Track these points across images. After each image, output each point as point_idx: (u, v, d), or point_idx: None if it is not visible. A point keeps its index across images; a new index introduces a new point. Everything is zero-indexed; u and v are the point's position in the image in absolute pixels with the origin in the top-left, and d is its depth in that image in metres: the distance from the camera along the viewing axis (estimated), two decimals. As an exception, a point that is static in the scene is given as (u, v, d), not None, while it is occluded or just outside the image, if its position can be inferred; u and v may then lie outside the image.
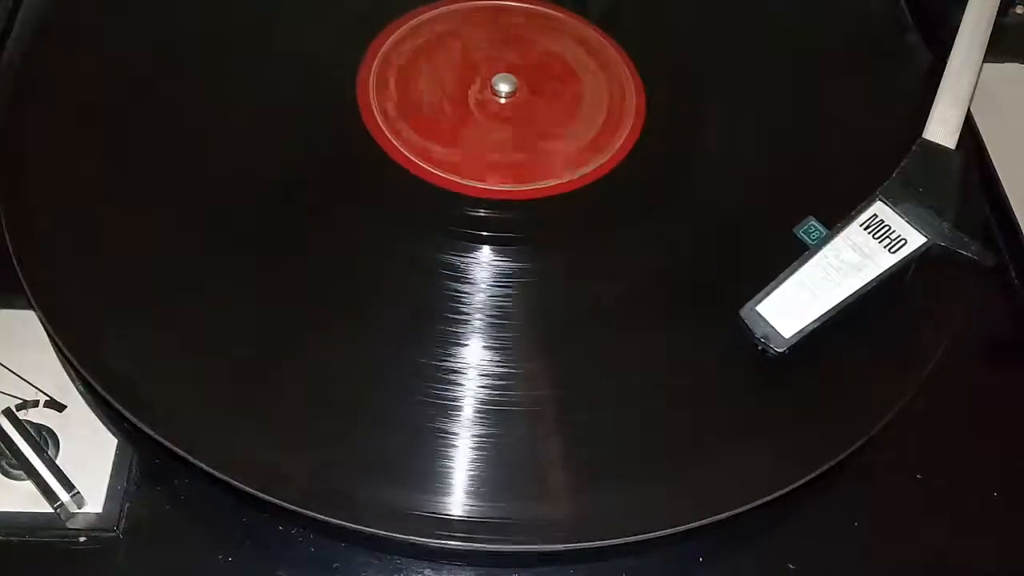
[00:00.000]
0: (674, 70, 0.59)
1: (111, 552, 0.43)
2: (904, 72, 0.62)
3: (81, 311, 0.46)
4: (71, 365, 0.46)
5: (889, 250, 0.48)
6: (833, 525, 0.46)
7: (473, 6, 0.61)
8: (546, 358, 0.47)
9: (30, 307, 0.47)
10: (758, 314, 0.47)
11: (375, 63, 0.57)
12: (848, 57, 0.62)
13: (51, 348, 0.47)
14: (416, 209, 0.52)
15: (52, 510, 0.42)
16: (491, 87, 0.56)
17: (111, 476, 0.44)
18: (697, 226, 0.52)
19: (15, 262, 0.47)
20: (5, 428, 0.43)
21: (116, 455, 0.45)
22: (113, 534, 0.43)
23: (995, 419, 0.50)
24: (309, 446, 0.43)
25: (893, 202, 0.50)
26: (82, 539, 0.43)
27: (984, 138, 0.60)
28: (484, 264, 0.49)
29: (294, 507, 0.41)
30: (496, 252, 0.50)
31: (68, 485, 0.42)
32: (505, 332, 0.47)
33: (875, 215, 0.49)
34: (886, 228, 0.49)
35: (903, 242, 0.49)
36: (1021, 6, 0.64)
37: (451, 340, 0.46)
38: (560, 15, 0.61)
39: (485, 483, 0.42)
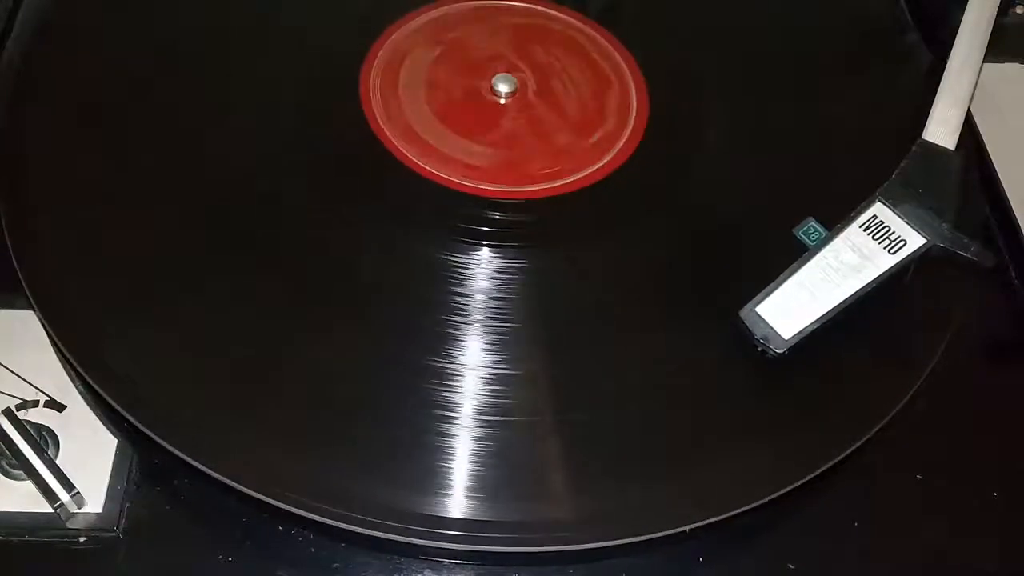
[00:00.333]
0: (675, 70, 0.59)
1: (111, 552, 0.43)
2: (904, 72, 0.62)
3: (81, 311, 0.46)
4: (71, 365, 0.46)
5: (889, 251, 0.48)
6: (833, 525, 0.46)
7: (473, 6, 0.61)
8: (546, 358, 0.47)
9: (30, 307, 0.47)
10: (758, 315, 0.47)
11: (375, 63, 0.57)
12: (848, 57, 0.62)
13: (51, 348, 0.47)
14: (417, 209, 0.52)
15: (52, 510, 0.42)
16: (491, 87, 0.56)
17: (111, 476, 0.44)
18: (697, 226, 0.53)
19: (15, 262, 0.47)
20: (5, 428, 0.42)
21: (116, 455, 0.45)
22: (113, 534, 0.43)
23: (995, 419, 0.50)
24: (309, 446, 0.43)
25: (893, 203, 0.50)
26: (82, 539, 0.43)
27: (984, 138, 0.60)
28: (484, 264, 0.49)
29: (294, 508, 0.41)
30: (496, 252, 0.50)
31: (68, 485, 0.42)
32: (505, 332, 0.47)
33: (875, 216, 0.49)
34: (886, 229, 0.49)
35: (903, 243, 0.49)
36: (1021, 6, 0.64)
37: (451, 340, 0.46)
38: (561, 14, 0.61)
39: (485, 483, 0.42)
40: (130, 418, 0.43)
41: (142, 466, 0.45)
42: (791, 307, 0.47)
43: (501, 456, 0.43)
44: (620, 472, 0.44)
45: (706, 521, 0.42)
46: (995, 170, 0.58)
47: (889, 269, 0.48)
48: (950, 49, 0.56)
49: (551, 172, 0.53)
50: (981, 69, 0.55)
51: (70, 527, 0.43)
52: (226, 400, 0.44)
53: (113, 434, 0.45)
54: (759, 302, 0.47)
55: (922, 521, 0.47)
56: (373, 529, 0.41)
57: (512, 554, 0.43)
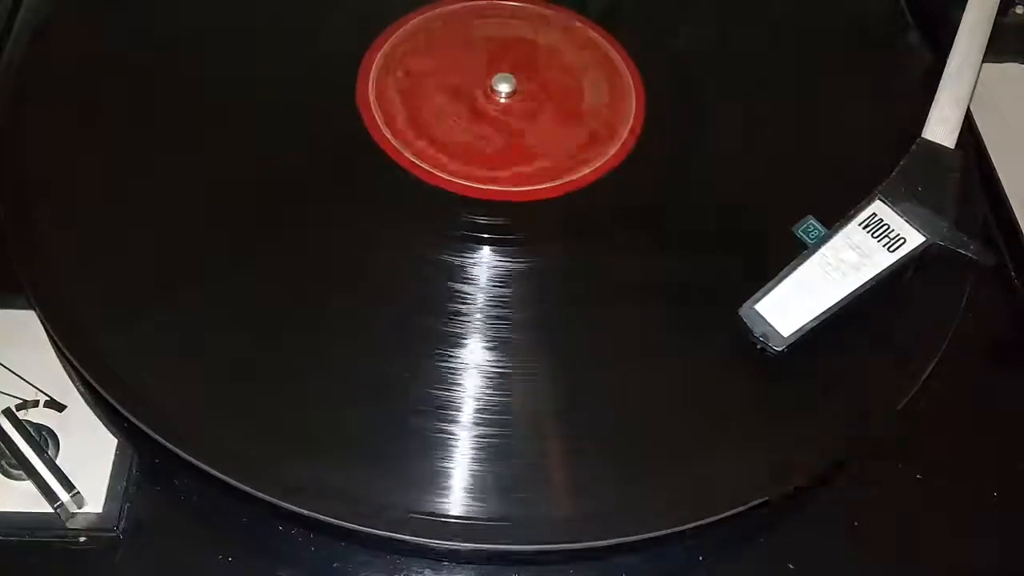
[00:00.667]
0: (674, 69, 0.59)
1: (111, 552, 0.43)
2: (904, 72, 0.62)
3: (81, 311, 0.46)
4: (71, 365, 0.46)
5: (888, 249, 0.48)
6: (833, 525, 0.46)
7: (473, 6, 0.61)
8: (546, 358, 0.47)
9: (30, 307, 0.47)
10: (757, 313, 0.47)
11: (375, 63, 0.57)
12: (848, 57, 0.62)
13: (51, 348, 0.47)
14: (416, 209, 0.52)
15: (52, 510, 0.42)
16: (491, 87, 0.56)
17: (111, 476, 0.44)
18: (697, 224, 0.53)
19: (15, 262, 0.47)
20: (5, 428, 0.42)
21: (116, 455, 0.45)
22: (113, 534, 0.43)
23: (995, 419, 0.50)
24: (309, 446, 0.43)
25: (892, 201, 0.50)
26: (82, 539, 0.43)
27: (984, 138, 0.60)
28: (484, 264, 0.49)
29: (294, 507, 0.41)
30: (496, 252, 0.50)
31: (68, 485, 0.42)
32: (505, 332, 0.47)
33: (874, 214, 0.49)
34: (885, 227, 0.49)
35: (902, 241, 0.49)
36: (1021, 6, 0.64)
37: (451, 340, 0.46)
38: (561, 15, 0.61)
39: (485, 483, 0.42)
40: (130, 418, 0.43)
41: (142, 466, 0.45)
42: (790, 305, 0.47)
43: (501, 456, 0.43)
44: (620, 472, 0.44)
45: (706, 521, 0.42)
46: (995, 170, 0.58)
47: (888, 267, 0.48)
48: (950, 49, 0.56)
49: (551, 172, 0.53)
50: (981, 69, 0.55)
51: (70, 527, 0.43)
52: (226, 400, 0.44)
53: (113, 434, 0.45)
54: (758, 300, 0.47)
55: (922, 521, 0.47)
56: (373, 529, 0.41)
57: (512, 553, 0.43)
